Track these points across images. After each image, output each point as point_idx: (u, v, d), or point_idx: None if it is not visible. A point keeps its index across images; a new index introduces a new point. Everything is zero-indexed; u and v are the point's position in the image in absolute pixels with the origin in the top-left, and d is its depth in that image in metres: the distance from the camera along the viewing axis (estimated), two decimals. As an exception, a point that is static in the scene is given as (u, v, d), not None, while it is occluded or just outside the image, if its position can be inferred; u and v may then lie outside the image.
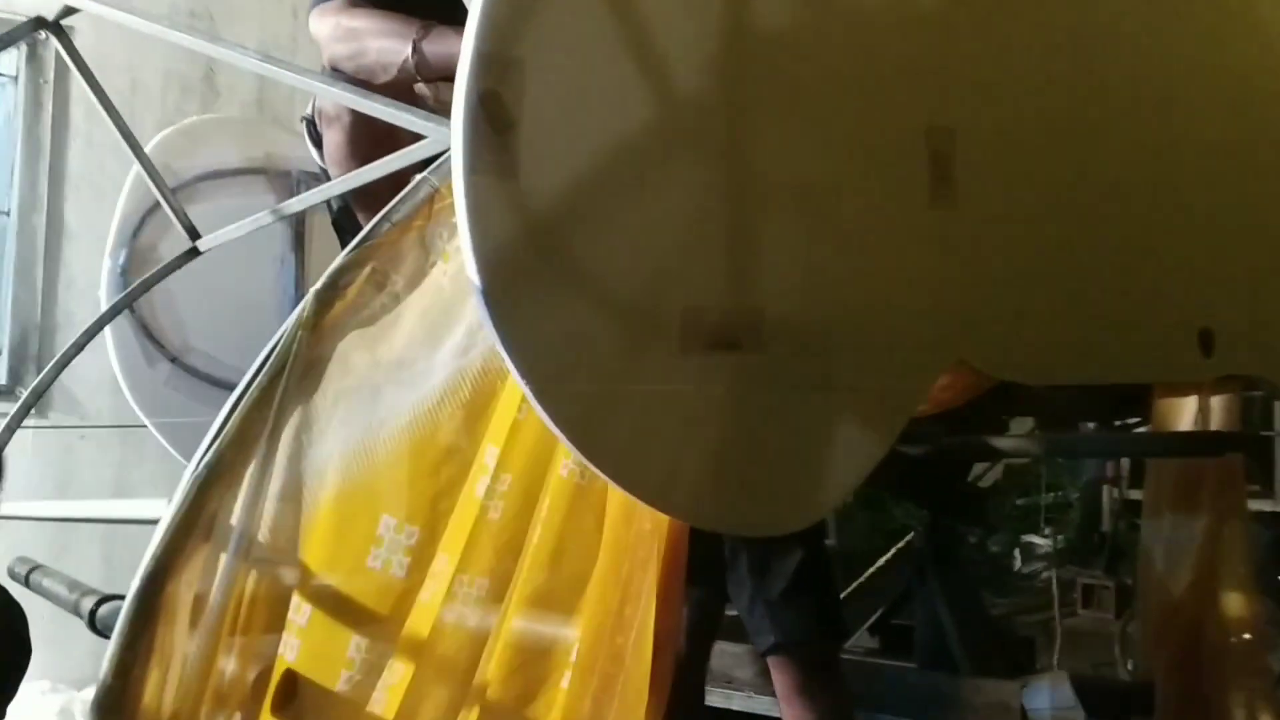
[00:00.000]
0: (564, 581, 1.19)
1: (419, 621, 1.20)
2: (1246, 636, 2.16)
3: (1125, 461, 5.97)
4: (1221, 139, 1.83)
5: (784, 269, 1.24)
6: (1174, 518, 2.21)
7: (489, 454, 1.21)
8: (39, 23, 1.88)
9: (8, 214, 4.63)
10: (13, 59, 4.60)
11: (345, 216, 2.06)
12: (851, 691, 1.96)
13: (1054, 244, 1.55)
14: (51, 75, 4.63)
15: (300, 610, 1.25)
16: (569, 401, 1.09)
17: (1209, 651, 2.18)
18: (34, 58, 4.63)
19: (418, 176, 1.33)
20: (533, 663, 1.19)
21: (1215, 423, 2.16)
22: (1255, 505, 5.18)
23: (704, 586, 1.71)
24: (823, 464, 1.27)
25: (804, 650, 1.83)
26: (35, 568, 1.94)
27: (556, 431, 1.08)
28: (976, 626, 2.27)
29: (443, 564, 1.20)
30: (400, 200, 1.27)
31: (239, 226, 1.73)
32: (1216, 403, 2.18)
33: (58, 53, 2.07)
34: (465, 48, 1.05)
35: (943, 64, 1.43)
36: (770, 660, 1.87)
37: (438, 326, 1.22)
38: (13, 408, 1.91)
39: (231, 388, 1.30)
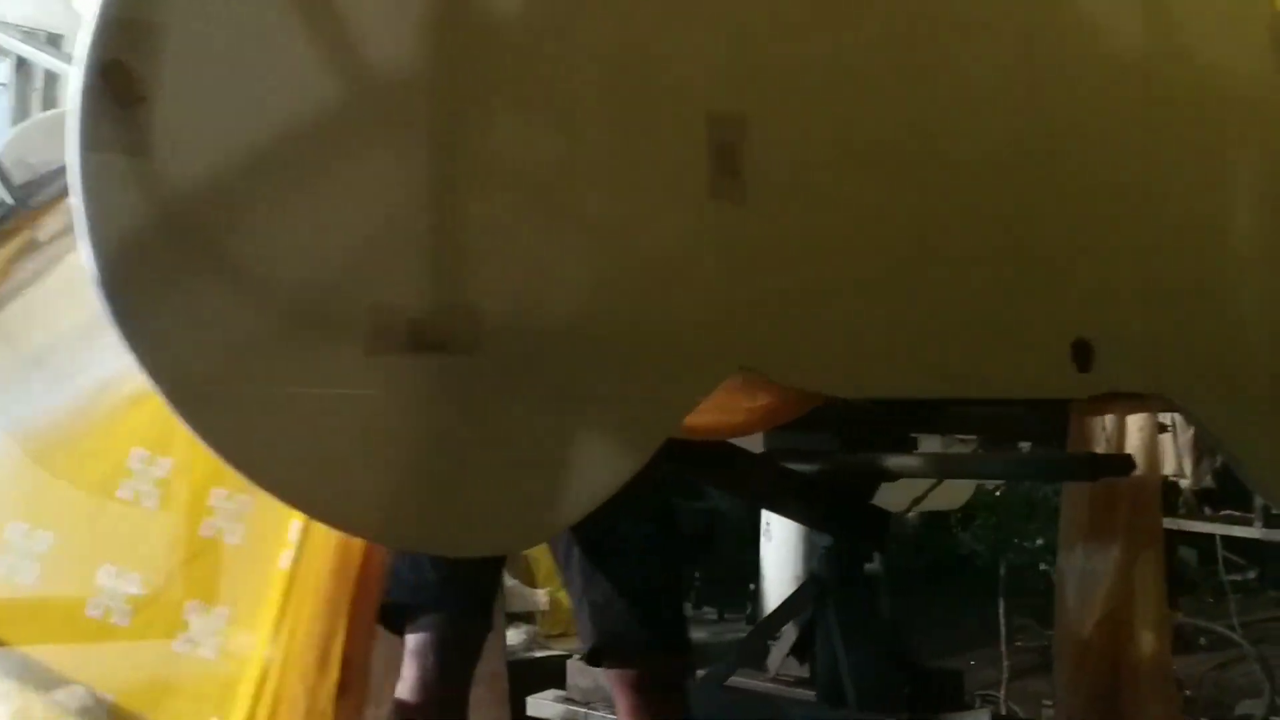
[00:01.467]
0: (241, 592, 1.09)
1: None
2: (1160, 678, 1.98)
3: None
4: (1105, 132, 1.67)
5: (507, 265, 1.12)
6: (1087, 547, 2.03)
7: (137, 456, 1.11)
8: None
9: None
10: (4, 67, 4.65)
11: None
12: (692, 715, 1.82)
13: (882, 245, 1.41)
14: (40, 83, 4.66)
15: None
16: (214, 407, 0.98)
17: (1124, 694, 2.00)
18: (23, 65, 4.66)
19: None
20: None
21: (1131, 445, 1.99)
22: (1235, 531, 4.91)
23: (459, 606, 1.58)
24: (551, 481, 1.15)
25: (628, 660, 1.69)
26: None
27: (197, 437, 0.98)
28: (876, 658, 2.11)
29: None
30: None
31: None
32: (1133, 423, 2.01)
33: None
34: (89, 10, 0.95)
35: (734, 43, 1.30)
36: (606, 674, 1.74)
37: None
38: None
39: None
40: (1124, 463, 1.73)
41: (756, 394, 1.39)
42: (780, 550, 3.54)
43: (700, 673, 2.37)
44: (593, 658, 1.74)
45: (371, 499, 1.06)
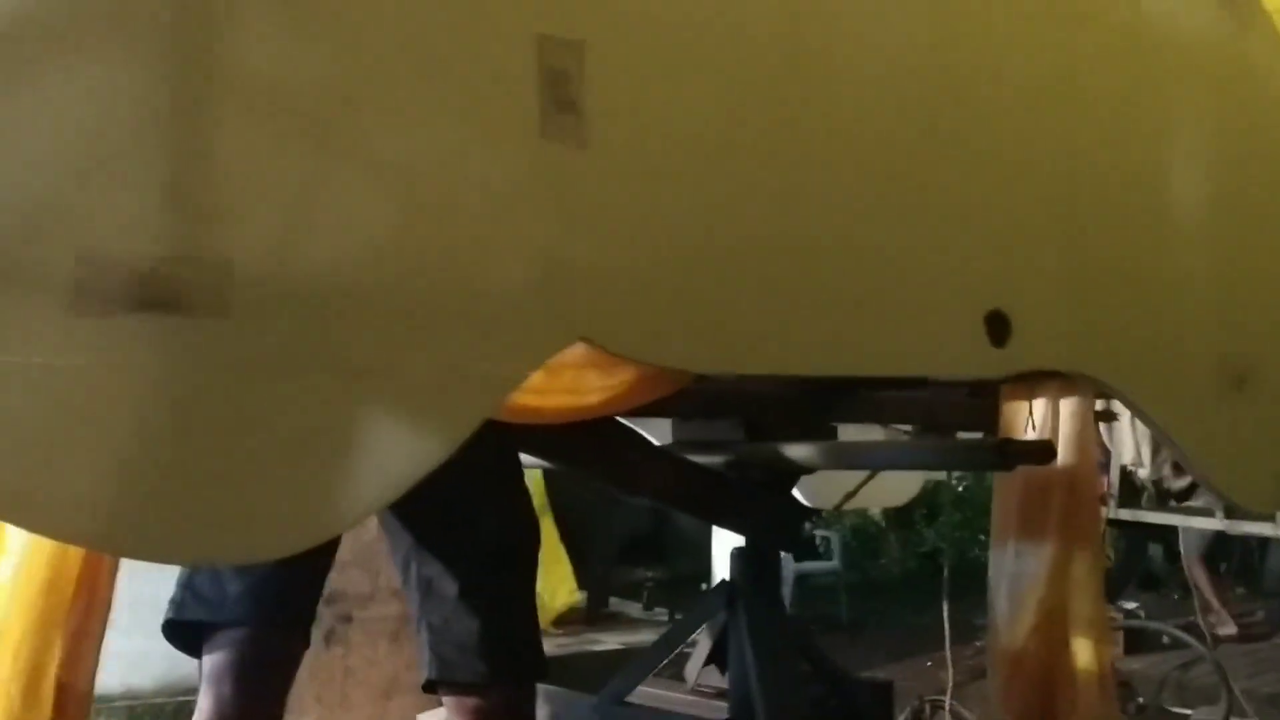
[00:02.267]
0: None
1: None
2: (1098, 689, 1.79)
3: (1114, 478, 5.55)
4: (1025, 95, 1.48)
5: (269, 210, 0.92)
6: (1018, 546, 1.84)
7: None
8: None
9: None
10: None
11: None
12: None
13: (754, 201, 1.22)
14: None
15: None
16: None
17: (1061, 707, 1.81)
18: None
19: None
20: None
21: (1064, 432, 1.80)
22: (1195, 522, 4.73)
23: (265, 621, 1.37)
24: (328, 471, 0.94)
25: (468, 688, 1.49)
26: None
27: None
28: (788, 667, 1.92)
29: None
30: None
31: None
32: (1065, 408, 1.82)
33: None
34: None
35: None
36: (445, 702, 1.54)
37: None
38: None
39: None
40: (1042, 450, 1.55)
41: (612, 371, 1.20)
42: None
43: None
44: (430, 687, 1.54)
45: (86, 495, 0.85)
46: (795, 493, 2.69)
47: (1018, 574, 1.86)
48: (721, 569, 6.89)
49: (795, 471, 1.94)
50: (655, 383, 1.22)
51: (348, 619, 5.14)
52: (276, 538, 0.94)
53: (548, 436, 1.68)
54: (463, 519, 1.49)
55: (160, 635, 1.47)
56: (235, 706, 1.32)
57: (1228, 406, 1.72)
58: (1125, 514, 6.97)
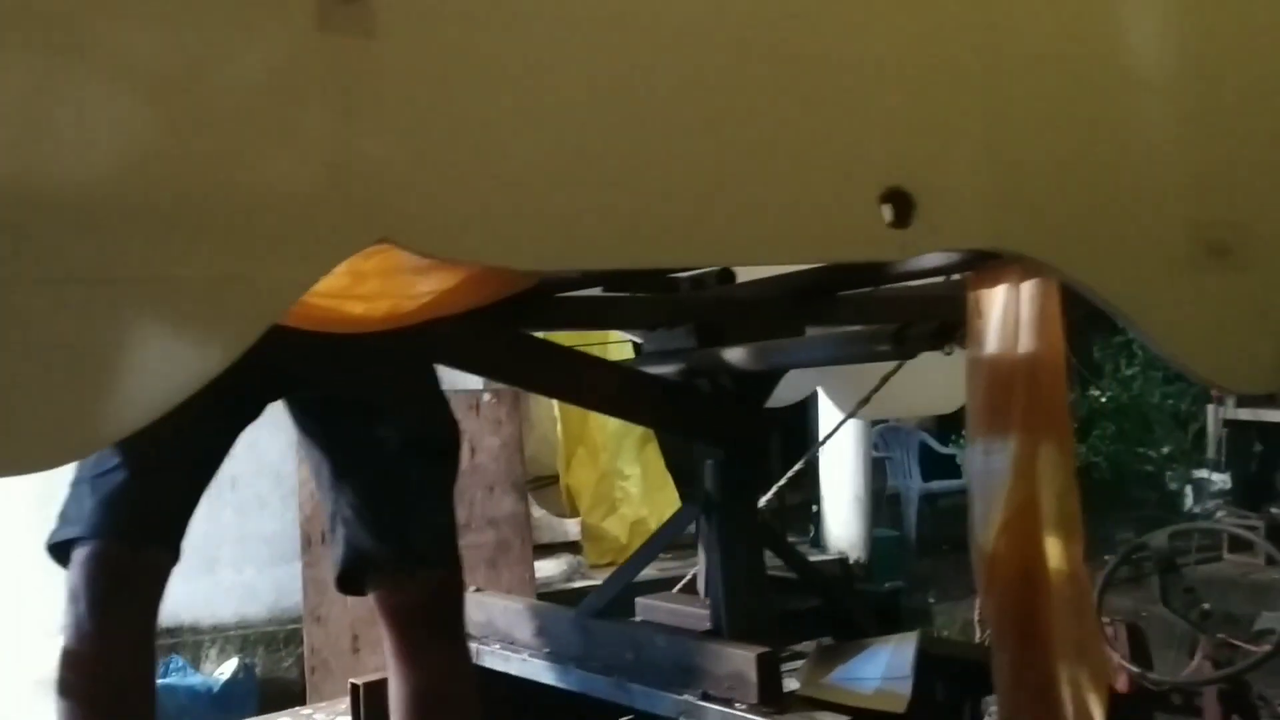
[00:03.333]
0: None
1: None
2: (1073, 589, 1.68)
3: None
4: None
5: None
6: (987, 443, 1.74)
7: None
8: None
9: None
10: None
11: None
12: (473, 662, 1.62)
13: (586, 81, 1.15)
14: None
15: None
16: None
17: (1039, 607, 1.72)
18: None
19: None
20: None
21: (1025, 318, 1.68)
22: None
23: (126, 535, 1.37)
24: (87, 382, 0.94)
25: (383, 580, 1.49)
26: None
27: None
28: (753, 580, 1.87)
29: None
30: None
31: None
32: (1025, 292, 1.69)
33: None
34: None
35: None
36: (375, 605, 1.54)
37: None
38: None
39: None
40: (940, 331, 1.44)
41: (433, 274, 1.16)
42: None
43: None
44: (344, 583, 1.55)
45: None
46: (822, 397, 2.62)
47: (987, 472, 1.75)
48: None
49: (761, 379, 1.87)
50: (487, 283, 1.18)
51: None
52: (40, 451, 0.94)
53: (477, 350, 1.66)
54: (375, 419, 1.49)
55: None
56: (91, 622, 1.34)
57: (1205, 279, 1.57)
58: (1245, 413, 6.57)
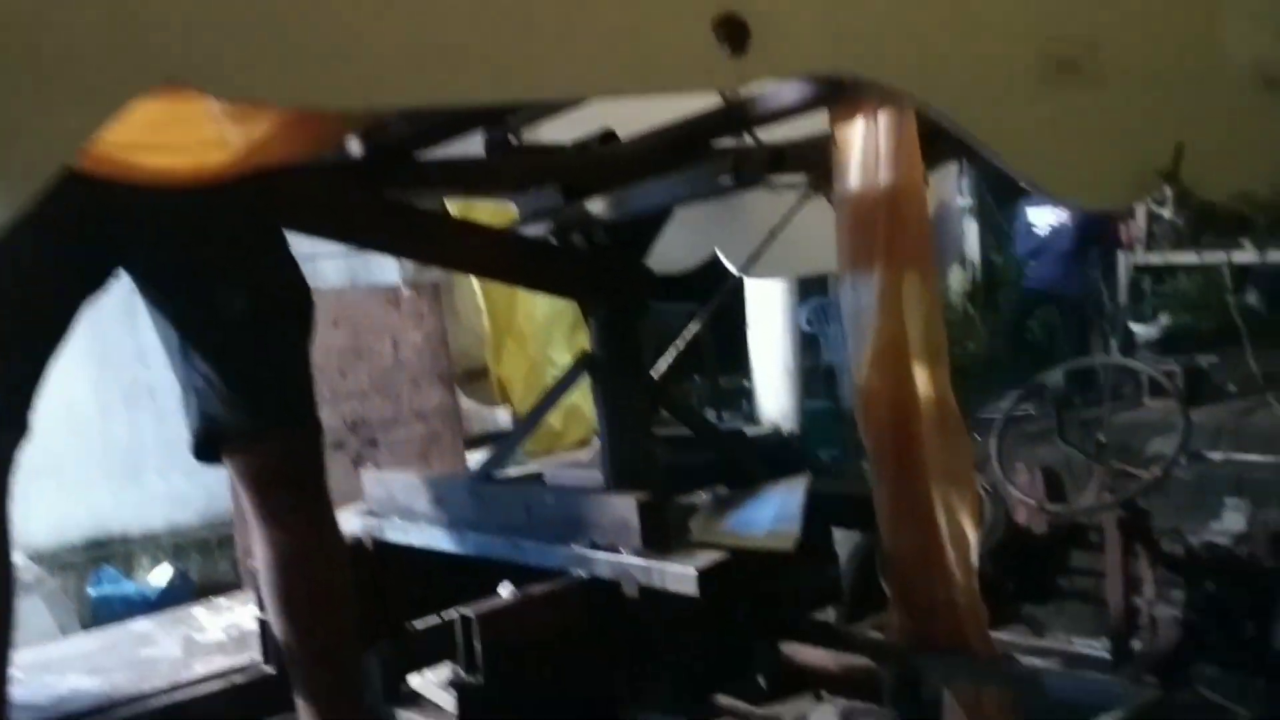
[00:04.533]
0: None
1: None
2: (941, 415, 1.71)
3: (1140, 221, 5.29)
4: None
5: None
6: (853, 279, 1.75)
7: None
8: None
9: None
10: None
11: None
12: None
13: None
14: None
15: None
16: None
17: (911, 436, 1.75)
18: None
19: None
20: None
21: (885, 147, 1.67)
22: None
23: None
24: None
25: (237, 443, 1.48)
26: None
27: None
28: (643, 436, 1.89)
29: None
30: None
31: None
32: (882, 122, 1.68)
33: None
34: None
35: None
36: (231, 474, 1.54)
37: None
38: None
39: None
40: (774, 159, 1.43)
41: (238, 122, 1.12)
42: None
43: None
44: (200, 451, 1.53)
45: None
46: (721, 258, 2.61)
47: (857, 308, 1.77)
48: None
49: (637, 232, 1.86)
50: (304, 130, 1.14)
51: (373, 443, 5.29)
52: None
53: (330, 213, 1.63)
54: (218, 282, 1.46)
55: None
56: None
57: (1057, 95, 1.56)
58: (1154, 258, 6.66)
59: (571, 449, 5.92)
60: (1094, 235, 6.80)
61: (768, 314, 6.58)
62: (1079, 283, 6.88)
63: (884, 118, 1.65)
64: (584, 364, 1.98)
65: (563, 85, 1.24)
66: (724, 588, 1.63)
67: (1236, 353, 3.17)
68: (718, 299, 2.68)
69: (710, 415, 6.46)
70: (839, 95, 1.64)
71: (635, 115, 1.98)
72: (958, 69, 1.49)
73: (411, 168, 1.70)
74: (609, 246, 1.90)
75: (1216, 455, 2.99)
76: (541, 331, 6.29)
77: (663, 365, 2.27)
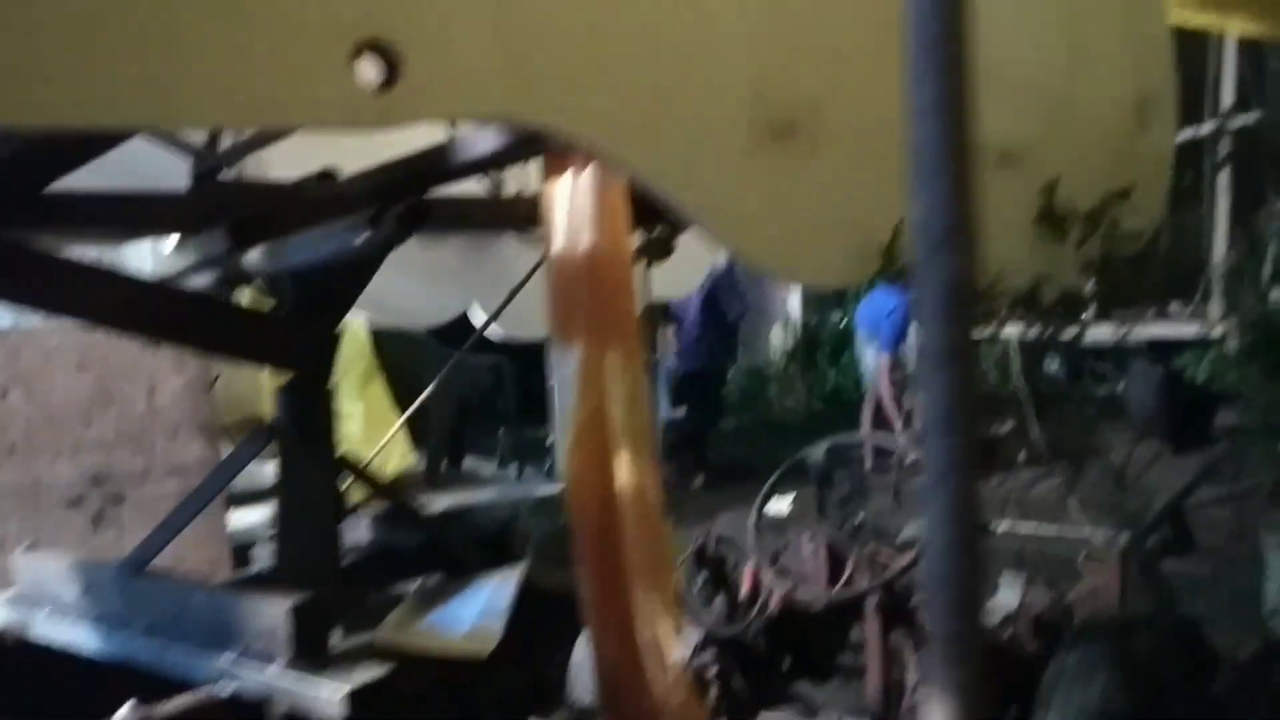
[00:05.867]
0: None
1: None
2: (643, 509, 1.54)
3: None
4: None
5: None
6: (558, 349, 1.56)
7: None
8: None
9: None
10: None
11: None
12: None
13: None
14: None
15: None
16: None
17: (613, 529, 1.56)
18: None
19: None
20: None
21: (587, 213, 1.50)
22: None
23: None
24: None
25: None
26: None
27: None
28: (321, 518, 1.64)
29: None
30: None
31: None
32: (584, 182, 1.50)
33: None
34: None
35: None
36: None
37: None
38: None
39: None
40: (410, 213, 1.23)
41: None
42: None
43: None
44: None
45: None
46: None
47: (563, 383, 1.59)
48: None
49: (324, 293, 1.62)
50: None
51: (119, 500, 4.82)
52: None
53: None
54: None
55: None
56: None
57: (769, 163, 1.42)
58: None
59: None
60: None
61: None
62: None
63: (586, 178, 1.47)
64: (263, 436, 1.72)
65: (182, 113, 1.02)
66: (388, 707, 1.40)
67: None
68: (462, 351, 2.48)
69: (511, 469, 6.23)
70: (536, 149, 1.46)
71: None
72: (661, 126, 1.32)
73: (35, 203, 1.43)
74: (295, 307, 1.66)
75: (1002, 526, 2.94)
76: (326, 380, 5.92)
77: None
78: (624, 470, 1.51)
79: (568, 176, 1.50)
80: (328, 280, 1.66)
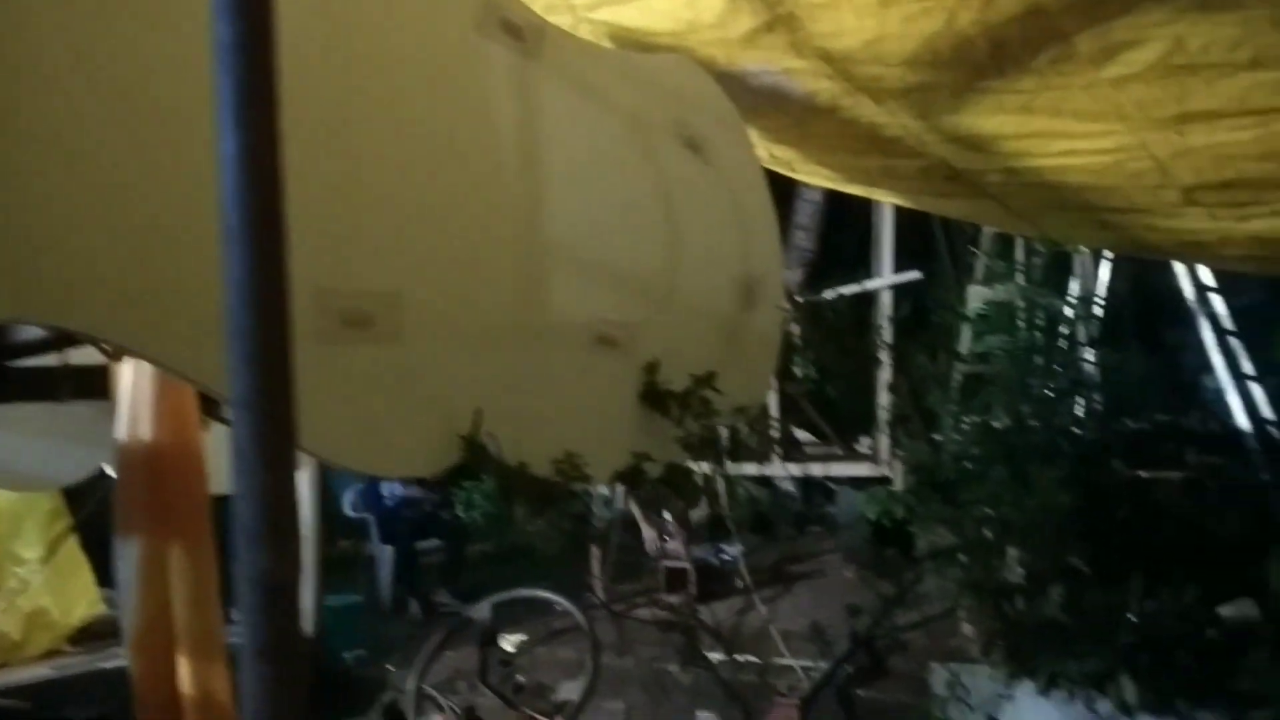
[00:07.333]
0: None
1: None
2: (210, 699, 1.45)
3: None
4: None
5: None
6: (121, 543, 1.48)
7: None
8: None
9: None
10: None
11: None
12: None
13: None
14: None
15: None
16: None
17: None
18: None
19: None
20: None
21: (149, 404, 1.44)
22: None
23: None
24: None
25: None
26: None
27: None
28: None
29: None
30: None
31: None
32: (157, 377, 1.45)
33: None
34: None
35: None
36: None
37: None
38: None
39: None
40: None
41: None
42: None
43: None
44: None
45: None
46: None
47: (124, 578, 1.49)
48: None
49: None
50: None
51: None
52: None
53: None
54: None
55: None
56: None
57: (342, 353, 1.40)
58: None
59: (33, 662, 5.10)
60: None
61: (303, 497, 6.15)
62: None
63: (149, 368, 1.41)
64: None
65: None
66: None
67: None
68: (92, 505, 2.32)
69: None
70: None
71: None
72: (195, 321, 1.25)
73: None
74: None
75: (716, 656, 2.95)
76: (5, 520, 5.44)
77: None
78: (190, 679, 1.42)
79: (130, 366, 1.43)
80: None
